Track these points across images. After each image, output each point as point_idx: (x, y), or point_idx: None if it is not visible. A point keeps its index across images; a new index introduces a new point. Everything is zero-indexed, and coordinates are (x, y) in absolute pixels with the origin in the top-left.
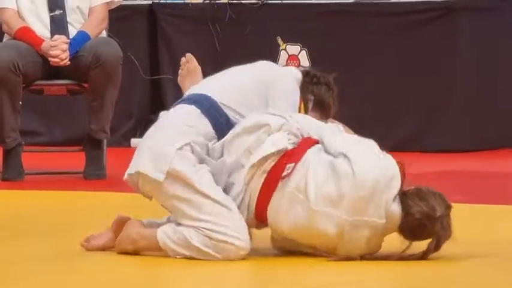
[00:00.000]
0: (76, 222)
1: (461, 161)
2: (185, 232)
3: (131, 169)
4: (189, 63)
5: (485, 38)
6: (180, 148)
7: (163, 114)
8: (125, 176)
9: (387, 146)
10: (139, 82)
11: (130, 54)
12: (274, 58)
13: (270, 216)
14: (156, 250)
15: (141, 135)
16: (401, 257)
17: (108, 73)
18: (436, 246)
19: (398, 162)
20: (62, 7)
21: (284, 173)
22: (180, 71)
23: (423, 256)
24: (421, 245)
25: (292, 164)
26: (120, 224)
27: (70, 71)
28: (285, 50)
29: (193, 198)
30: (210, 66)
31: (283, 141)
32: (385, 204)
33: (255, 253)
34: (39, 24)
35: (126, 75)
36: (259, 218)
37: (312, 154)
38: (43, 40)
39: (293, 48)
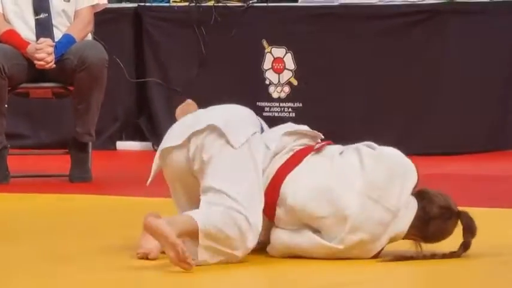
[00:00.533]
0: (62, 225)
1: (447, 164)
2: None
3: (201, 124)
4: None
5: (471, 41)
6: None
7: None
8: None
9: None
10: (124, 85)
11: (116, 57)
12: (259, 61)
13: (286, 187)
14: (194, 233)
15: (126, 138)
16: (424, 256)
17: (94, 76)
18: (466, 244)
19: (418, 172)
20: (47, 10)
21: (316, 147)
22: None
23: (454, 254)
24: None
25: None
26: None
27: (55, 74)
28: (270, 52)
29: (245, 174)
30: (196, 69)
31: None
32: (400, 190)
33: (253, 254)
34: (25, 26)
35: (112, 78)
36: (269, 198)
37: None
38: (28, 43)
39: (278, 51)
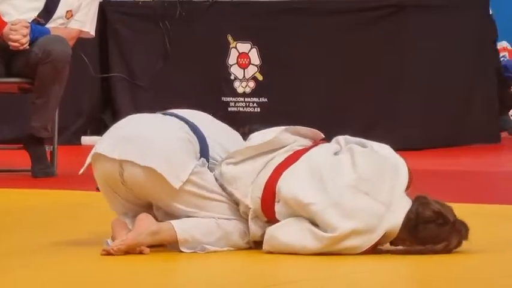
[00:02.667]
0: (25, 221)
1: (412, 159)
2: (210, 220)
3: (139, 159)
4: None
5: (434, 37)
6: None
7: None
8: (108, 154)
9: None
10: (89, 80)
11: (81, 52)
12: (224, 56)
13: (281, 182)
14: (174, 242)
15: (91, 133)
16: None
17: (57, 70)
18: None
19: (410, 170)
20: (49, 18)
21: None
22: None
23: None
24: None
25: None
26: (121, 224)
27: (20, 67)
28: (236, 47)
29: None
30: (161, 64)
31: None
32: (391, 186)
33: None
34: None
35: (77, 74)
36: (266, 199)
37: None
38: (6, 23)
39: (244, 46)
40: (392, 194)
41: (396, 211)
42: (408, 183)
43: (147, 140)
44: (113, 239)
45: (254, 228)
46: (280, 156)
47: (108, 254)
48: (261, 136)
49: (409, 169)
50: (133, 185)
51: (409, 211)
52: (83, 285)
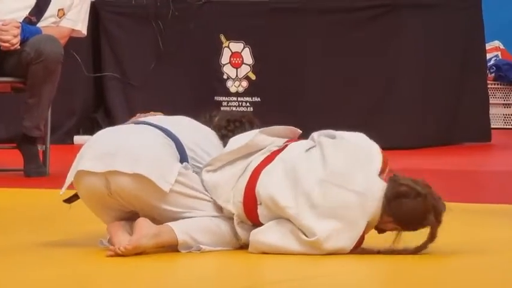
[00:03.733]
0: (18, 220)
1: (403, 158)
2: (206, 219)
3: (126, 168)
4: None
5: (427, 36)
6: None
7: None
8: (95, 169)
9: None
10: (82, 80)
11: (73, 51)
12: (217, 55)
13: (259, 184)
14: (174, 244)
15: (84, 133)
16: (393, 251)
17: (49, 70)
18: (432, 234)
19: (384, 155)
20: (40, 16)
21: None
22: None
23: (418, 249)
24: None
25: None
26: (118, 227)
27: (12, 66)
28: (228, 47)
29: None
30: (153, 64)
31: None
32: (364, 173)
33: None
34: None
35: (69, 73)
36: (247, 202)
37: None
38: None
39: (236, 46)
40: (367, 180)
41: (372, 197)
42: (383, 166)
43: (129, 150)
44: (110, 241)
45: (242, 233)
46: (257, 159)
47: (115, 254)
48: (239, 140)
49: (383, 154)
50: (121, 195)
51: (384, 193)
52: (76, 285)
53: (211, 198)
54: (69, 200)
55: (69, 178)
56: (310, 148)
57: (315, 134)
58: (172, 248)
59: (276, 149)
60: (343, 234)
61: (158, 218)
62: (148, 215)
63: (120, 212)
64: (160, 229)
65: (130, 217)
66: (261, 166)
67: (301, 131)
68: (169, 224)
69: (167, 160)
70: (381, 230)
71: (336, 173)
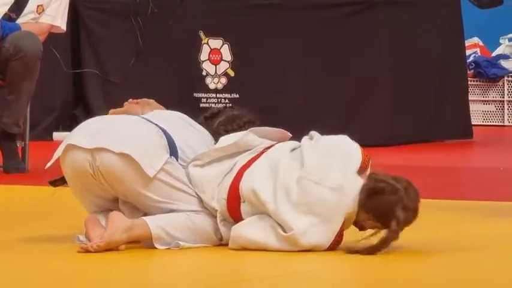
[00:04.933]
0: None
1: (384, 155)
2: (182, 215)
3: (114, 147)
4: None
5: (405, 33)
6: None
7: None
8: (82, 144)
9: None
10: (61, 76)
11: (53, 47)
12: (196, 52)
13: (243, 182)
14: (148, 238)
15: (63, 129)
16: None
17: (28, 66)
18: (393, 231)
19: (366, 155)
20: (19, 12)
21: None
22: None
23: (373, 249)
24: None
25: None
26: (94, 221)
27: None
28: (207, 44)
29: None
30: (133, 60)
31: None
32: (341, 170)
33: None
34: None
35: (49, 69)
36: (231, 193)
37: None
38: None
39: (215, 42)
40: (344, 178)
41: (349, 194)
42: (363, 166)
43: (120, 131)
44: (87, 235)
45: (224, 231)
46: (244, 158)
47: (87, 251)
48: (229, 138)
49: (365, 154)
50: (105, 175)
51: (361, 189)
52: (56, 282)
53: (195, 192)
54: (54, 183)
55: (58, 152)
56: (295, 148)
57: (304, 137)
58: (150, 245)
59: (262, 149)
60: (320, 230)
61: (139, 206)
62: (129, 203)
63: (101, 199)
64: (134, 222)
65: (112, 207)
66: (247, 165)
67: (291, 135)
68: (144, 217)
69: (156, 148)
70: (361, 227)
71: (313, 170)
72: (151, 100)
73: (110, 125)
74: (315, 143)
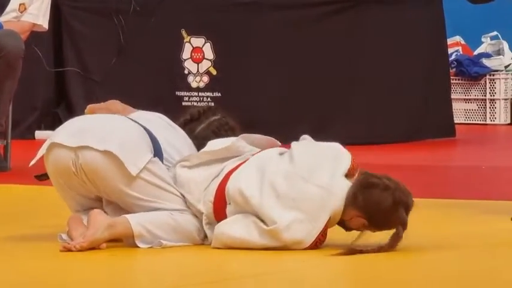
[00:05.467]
0: None
1: (368, 154)
2: (164, 213)
3: (97, 144)
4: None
5: (392, 31)
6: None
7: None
8: (65, 142)
9: (291, 139)
10: (43, 75)
11: (35, 46)
12: (178, 50)
13: (229, 183)
14: (129, 236)
15: (45, 128)
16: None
17: (9, 65)
18: (397, 235)
19: (355, 162)
20: (1, 13)
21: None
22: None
23: (383, 248)
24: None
25: None
26: (77, 220)
27: None
28: (189, 42)
29: (161, 193)
30: (115, 59)
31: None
32: (331, 171)
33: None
34: None
35: (31, 68)
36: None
37: None
38: None
39: (197, 41)
40: (332, 177)
41: (336, 193)
42: (351, 171)
43: (105, 129)
44: (69, 234)
45: (210, 234)
46: (232, 164)
47: (69, 250)
48: (219, 143)
49: (355, 161)
50: (88, 172)
51: (351, 185)
52: (36, 282)
53: (179, 192)
54: (40, 177)
55: (42, 150)
56: (283, 153)
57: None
58: (133, 243)
59: (251, 155)
60: (304, 227)
61: (123, 206)
62: (113, 204)
63: (84, 198)
64: (115, 220)
65: (95, 206)
66: (235, 169)
67: (280, 143)
68: (125, 215)
69: (140, 147)
70: (348, 228)
71: (301, 167)
72: (117, 101)
73: (94, 124)
74: (306, 143)
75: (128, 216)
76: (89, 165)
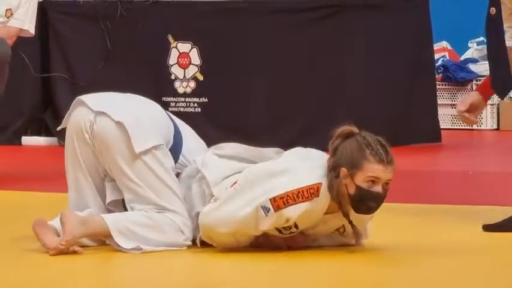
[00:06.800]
0: None
1: None
2: (139, 213)
3: (114, 115)
4: None
5: (375, 36)
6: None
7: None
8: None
9: (278, 144)
10: (30, 80)
11: (21, 52)
12: (165, 56)
13: None
14: (106, 232)
15: (32, 133)
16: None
17: None
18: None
19: None
20: None
21: None
22: None
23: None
24: None
25: None
26: (43, 225)
27: None
28: (176, 47)
29: (156, 184)
30: (101, 64)
31: None
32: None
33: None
34: None
35: (17, 73)
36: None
37: None
38: None
39: (184, 46)
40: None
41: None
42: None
43: (129, 105)
44: (41, 242)
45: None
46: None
47: (57, 251)
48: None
49: None
50: (98, 138)
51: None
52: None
53: (175, 187)
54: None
55: (71, 107)
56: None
57: None
58: (114, 244)
59: None
60: (290, 177)
61: (118, 182)
62: (113, 182)
63: (87, 167)
64: (87, 217)
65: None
66: None
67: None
68: (101, 214)
69: (155, 130)
70: (342, 196)
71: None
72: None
73: (124, 100)
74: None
75: (102, 215)
76: (100, 131)
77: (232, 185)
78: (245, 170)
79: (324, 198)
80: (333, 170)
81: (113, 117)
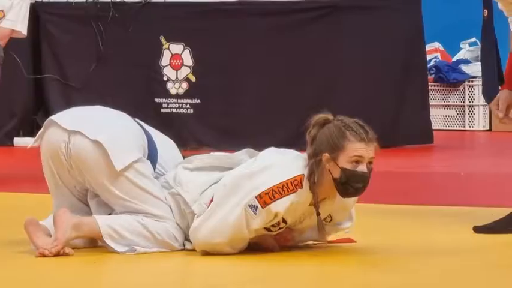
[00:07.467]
0: None
1: None
2: (136, 217)
3: (89, 133)
4: None
5: (369, 37)
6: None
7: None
8: (62, 124)
9: (270, 145)
10: (22, 81)
11: (13, 53)
12: (157, 57)
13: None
14: (97, 235)
15: (24, 135)
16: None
17: None
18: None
19: None
20: None
21: None
22: None
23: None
24: None
25: None
26: (34, 224)
27: None
28: (168, 49)
29: (142, 195)
30: (93, 65)
31: None
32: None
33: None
34: None
35: (9, 75)
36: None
37: None
38: None
39: (176, 47)
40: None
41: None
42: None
43: (104, 122)
44: (32, 242)
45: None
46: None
47: (44, 256)
48: (222, 153)
49: None
50: (75, 158)
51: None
52: None
53: (161, 196)
54: None
55: (43, 129)
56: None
57: None
58: (107, 246)
59: None
60: (273, 169)
61: (105, 200)
62: (97, 198)
63: (67, 190)
64: (81, 220)
65: (73, 206)
66: None
67: None
68: (93, 216)
69: (131, 145)
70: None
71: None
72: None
73: (96, 115)
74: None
75: (95, 216)
76: (77, 152)
77: (210, 202)
78: (223, 178)
79: (307, 189)
80: (314, 157)
81: (88, 136)
